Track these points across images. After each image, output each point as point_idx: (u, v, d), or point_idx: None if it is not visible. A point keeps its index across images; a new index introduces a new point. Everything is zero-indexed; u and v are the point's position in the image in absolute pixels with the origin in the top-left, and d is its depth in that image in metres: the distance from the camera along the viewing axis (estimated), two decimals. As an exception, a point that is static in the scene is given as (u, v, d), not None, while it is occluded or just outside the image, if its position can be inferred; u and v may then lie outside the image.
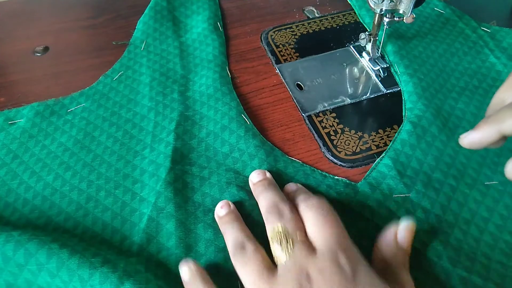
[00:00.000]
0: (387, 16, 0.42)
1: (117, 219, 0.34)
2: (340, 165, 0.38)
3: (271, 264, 0.28)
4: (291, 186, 0.34)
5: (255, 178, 0.34)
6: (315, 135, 0.41)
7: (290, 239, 0.27)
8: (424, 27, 0.50)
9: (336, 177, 0.37)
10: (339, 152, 0.39)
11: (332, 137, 0.40)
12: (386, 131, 0.41)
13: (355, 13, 0.53)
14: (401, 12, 0.40)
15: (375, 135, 0.40)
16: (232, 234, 0.30)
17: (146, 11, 0.52)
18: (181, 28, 0.51)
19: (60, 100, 0.43)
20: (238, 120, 0.40)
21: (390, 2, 0.40)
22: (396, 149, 0.37)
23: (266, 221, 0.30)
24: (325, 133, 0.41)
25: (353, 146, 0.39)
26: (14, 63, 0.49)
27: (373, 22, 0.44)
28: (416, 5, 0.40)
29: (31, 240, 0.30)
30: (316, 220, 0.29)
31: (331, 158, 0.39)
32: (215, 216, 0.33)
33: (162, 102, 0.42)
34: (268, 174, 0.35)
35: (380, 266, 0.29)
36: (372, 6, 0.41)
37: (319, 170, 0.37)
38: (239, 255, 0.28)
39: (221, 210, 0.32)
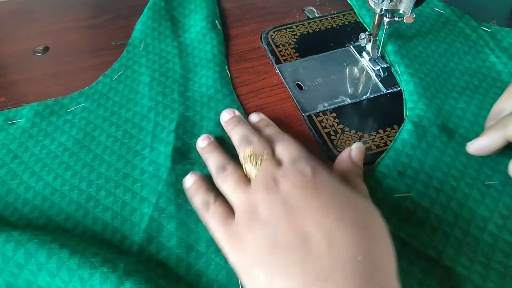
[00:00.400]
0: (387, 16, 0.42)
1: (117, 218, 0.34)
2: (340, 165, 0.38)
3: (247, 179, 0.31)
4: (253, 117, 0.39)
5: (225, 116, 0.39)
6: (315, 135, 0.41)
7: (259, 158, 0.31)
8: (424, 27, 0.50)
9: None
10: (339, 152, 0.39)
11: (332, 137, 0.40)
12: (386, 131, 0.41)
13: (355, 13, 0.53)
14: (401, 12, 0.40)
15: (375, 135, 0.40)
16: (213, 159, 0.34)
17: (144, 11, 0.52)
18: (179, 27, 0.51)
19: (59, 100, 0.43)
20: None
21: (390, 2, 0.40)
22: (397, 149, 0.37)
23: (238, 150, 0.34)
24: (325, 133, 0.41)
25: (353, 146, 0.39)
26: (14, 63, 0.49)
27: (373, 22, 0.44)
28: (416, 5, 0.40)
29: (31, 240, 0.30)
30: (281, 143, 0.33)
31: (331, 158, 0.39)
32: (197, 147, 0.37)
33: (162, 102, 0.42)
34: (237, 112, 0.39)
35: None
36: (372, 6, 0.41)
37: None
38: (220, 175, 0.32)
39: (202, 142, 0.37)
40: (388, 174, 0.36)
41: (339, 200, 0.27)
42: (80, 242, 0.32)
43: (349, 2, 0.54)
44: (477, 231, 0.33)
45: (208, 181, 0.33)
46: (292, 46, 0.50)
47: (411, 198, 0.35)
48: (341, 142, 0.40)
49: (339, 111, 0.43)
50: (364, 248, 0.25)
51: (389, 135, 0.40)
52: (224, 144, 0.38)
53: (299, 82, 0.46)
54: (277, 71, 0.47)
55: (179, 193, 0.34)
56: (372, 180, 0.36)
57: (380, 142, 0.40)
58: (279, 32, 0.52)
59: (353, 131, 0.41)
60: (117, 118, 0.42)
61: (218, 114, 0.41)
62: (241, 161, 0.33)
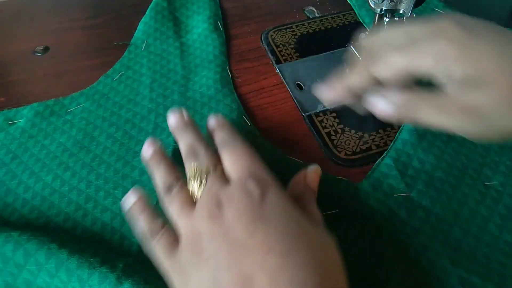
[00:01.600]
0: (387, 16, 0.42)
1: (116, 219, 0.34)
2: (340, 164, 0.38)
3: (193, 201, 0.29)
4: (210, 122, 0.34)
5: (172, 120, 0.34)
6: (315, 135, 0.41)
7: (205, 176, 0.29)
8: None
9: (338, 177, 0.37)
10: (339, 152, 0.39)
11: (332, 137, 0.40)
12: (386, 131, 0.41)
13: (355, 13, 0.53)
14: (401, 12, 0.40)
15: (375, 135, 0.40)
16: (159, 175, 0.31)
17: (147, 12, 0.52)
18: (181, 28, 0.51)
19: (60, 100, 0.43)
20: (239, 122, 0.40)
21: (390, 2, 0.40)
22: (397, 149, 0.37)
23: (185, 163, 0.31)
24: (325, 133, 0.41)
25: (353, 146, 0.39)
26: (14, 63, 0.49)
27: (373, 22, 0.44)
28: (416, 5, 0.40)
29: (30, 240, 0.30)
30: (229, 156, 0.29)
31: (331, 158, 0.39)
32: (141, 158, 0.33)
33: (163, 103, 0.42)
34: (185, 114, 0.34)
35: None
36: (372, 6, 0.41)
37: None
38: (166, 196, 0.29)
39: (147, 150, 0.32)
40: (389, 173, 0.36)
41: (286, 231, 0.25)
42: (79, 243, 0.32)
43: (349, 2, 0.54)
44: (477, 231, 0.33)
45: (151, 204, 0.30)
46: (292, 46, 0.50)
47: (411, 197, 0.35)
48: (341, 142, 0.40)
49: (339, 111, 0.42)
50: (304, 280, 0.23)
51: (389, 135, 0.40)
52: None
53: (299, 82, 0.46)
54: (277, 71, 0.47)
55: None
56: (373, 180, 0.36)
57: (380, 142, 0.40)
58: (279, 32, 0.52)
59: (353, 131, 0.41)
60: (117, 118, 0.42)
61: (219, 112, 0.41)
62: (187, 178, 0.30)
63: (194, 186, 0.29)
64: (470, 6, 0.54)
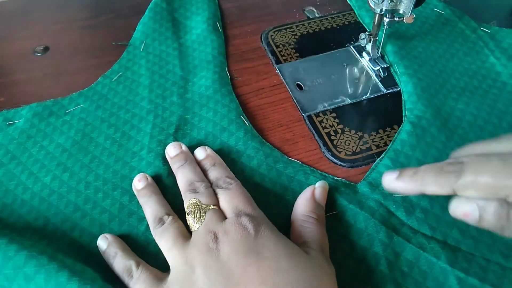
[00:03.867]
0: (387, 16, 0.42)
1: (114, 220, 0.34)
2: (340, 165, 0.38)
3: (187, 233, 0.30)
4: (199, 153, 0.36)
5: (171, 152, 0.36)
6: (315, 135, 0.41)
7: (203, 210, 0.30)
8: (424, 27, 0.50)
9: (336, 178, 0.37)
10: (339, 152, 0.39)
11: (332, 137, 0.40)
12: (386, 131, 0.41)
13: (355, 13, 0.53)
14: (401, 12, 0.40)
15: (375, 135, 0.40)
16: (150, 208, 0.32)
17: (146, 12, 0.52)
18: (180, 29, 0.51)
19: (59, 101, 0.43)
20: (237, 122, 0.40)
21: (390, 2, 0.40)
22: (396, 149, 0.37)
23: (184, 197, 0.33)
24: (325, 133, 0.41)
25: (353, 146, 0.39)
26: (14, 63, 0.49)
27: (373, 22, 0.44)
28: (416, 5, 0.40)
29: (18, 253, 0.30)
30: (226, 195, 0.31)
31: (331, 158, 0.39)
32: (133, 188, 0.35)
33: (162, 105, 0.42)
34: (184, 147, 0.37)
35: (297, 223, 0.31)
36: (372, 6, 0.41)
37: (319, 171, 0.37)
38: (157, 229, 0.30)
39: (139, 184, 0.34)
40: None
41: (278, 266, 0.26)
42: (69, 257, 0.31)
43: (349, 2, 0.54)
44: (476, 232, 0.33)
45: (124, 243, 0.31)
46: (292, 46, 0.50)
47: (409, 198, 0.35)
48: (341, 142, 0.40)
49: (339, 111, 0.43)
50: None
51: (389, 135, 0.40)
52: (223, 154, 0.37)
53: (299, 82, 0.46)
54: (277, 71, 0.47)
55: (177, 196, 0.34)
56: (371, 181, 0.36)
57: (380, 142, 0.40)
58: (279, 32, 0.52)
59: (353, 131, 0.41)
60: (115, 119, 0.41)
61: (216, 114, 0.41)
62: (185, 210, 0.31)
63: (191, 219, 0.30)
64: (470, 6, 0.54)
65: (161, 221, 0.31)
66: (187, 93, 0.44)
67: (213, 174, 0.34)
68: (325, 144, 0.40)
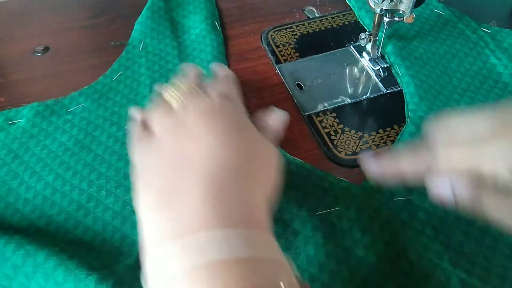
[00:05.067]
0: (387, 16, 0.42)
1: (117, 218, 0.34)
2: (340, 164, 0.38)
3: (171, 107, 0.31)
4: (216, 69, 0.38)
5: (186, 68, 0.37)
6: (315, 135, 0.41)
7: (183, 88, 0.31)
8: (424, 28, 0.50)
9: (338, 178, 0.37)
10: (339, 152, 0.39)
11: (332, 137, 0.40)
12: (386, 131, 0.41)
13: (355, 13, 0.53)
14: (401, 12, 0.40)
15: (375, 135, 0.40)
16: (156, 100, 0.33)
17: (143, 12, 0.52)
18: (178, 28, 0.51)
19: (60, 100, 0.43)
20: None
21: (390, 2, 0.40)
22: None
23: None
24: (325, 133, 0.41)
25: (353, 146, 0.39)
26: (14, 63, 0.49)
27: (373, 22, 0.44)
28: (416, 5, 0.40)
29: (32, 242, 0.30)
30: (214, 82, 0.34)
31: (331, 158, 0.39)
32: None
33: None
34: (199, 69, 0.37)
35: None
36: (372, 6, 0.41)
37: (320, 170, 0.37)
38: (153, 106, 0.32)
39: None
40: None
41: (232, 130, 0.28)
42: (57, 245, 0.31)
43: (349, 3, 0.54)
44: (479, 233, 0.33)
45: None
46: (292, 46, 0.50)
47: (411, 201, 0.34)
48: (341, 142, 0.40)
49: (339, 111, 0.43)
50: (237, 170, 0.26)
51: (389, 135, 0.40)
52: None
53: (299, 82, 0.46)
54: (277, 71, 0.47)
55: None
56: (373, 183, 0.36)
57: (380, 142, 0.40)
58: (279, 32, 0.52)
59: (353, 131, 0.41)
60: (117, 118, 0.41)
61: None
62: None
63: (173, 96, 0.31)
64: (470, 6, 0.54)
65: (156, 101, 0.33)
66: None
67: (219, 79, 0.37)
68: (325, 144, 0.40)
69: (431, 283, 0.30)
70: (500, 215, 0.26)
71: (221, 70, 0.38)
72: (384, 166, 0.31)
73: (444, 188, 0.27)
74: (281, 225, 0.33)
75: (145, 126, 0.31)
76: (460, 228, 0.33)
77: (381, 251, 0.32)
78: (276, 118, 0.34)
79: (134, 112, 0.33)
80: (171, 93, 0.31)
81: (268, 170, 0.29)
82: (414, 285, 0.30)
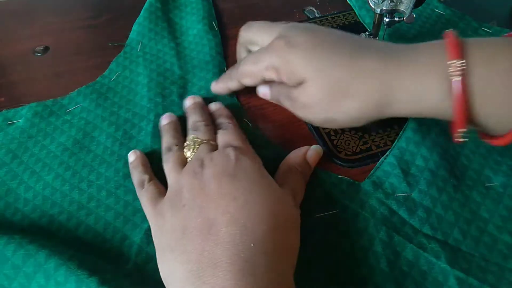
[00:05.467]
0: (387, 16, 0.42)
1: (119, 218, 0.34)
2: (340, 165, 0.38)
3: (185, 162, 0.34)
4: (212, 106, 0.41)
5: (188, 102, 0.41)
6: (315, 135, 0.41)
7: (198, 144, 0.34)
8: (425, 28, 0.50)
9: (340, 176, 0.37)
10: (339, 152, 0.39)
11: (332, 137, 0.40)
12: (386, 131, 0.41)
13: (355, 13, 0.53)
14: (401, 12, 0.40)
15: (375, 135, 0.40)
16: (166, 139, 0.37)
17: (141, 13, 0.52)
18: (176, 29, 0.51)
19: (58, 101, 0.43)
20: (239, 123, 0.40)
21: (390, 2, 0.40)
22: (401, 147, 0.37)
23: (187, 135, 0.37)
24: (325, 133, 0.41)
25: (353, 146, 0.39)
26: (14, 63, 0.49)
27: (373, 22, 0.44)
28: (416, 5, 0.40)
29: (32, 242, 0.30)
30: (222, 133, 0.36)
31: (331, 158, 0.39)
32: (159, 124, 0.39)
33: (162, 104, 0.42)
34: (197, 99, 0.41)
35: (282, 169, 0.35)
36: (372, 6, 0.41)
37: (322, 169, 0.37)
38: (165, 155, 0.35)
39: (166, 119, 0.39)
40: (392, 172, 0.36)
41: (251, 187, 0.29)
42: (58, 245, 0.32)
43: (349, 2, 0.54)
44: (477, 232, 0.33)
45: (147, 161, 0.37)
46: (292, 46, 0.50)
47: (412, 197, 0.35)
48: (341, 142, 0.40)
49: (339, 111, 0.42)
50: (258, 236, 0.27)
51: (389, 135, 0.40)
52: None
53: (299, 82, 0.46)
54: (277, 71, 0.47)
55: None
56: (374, 179, 0.36)
57: (380, 142, 0.40)
58: (279, 32, 0.52)
59: (353, 131, 0.41)
60: (116, 118, 0.41)
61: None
62: (184, 144, 0.35)
63: (188, 151, 0.34)
64: (470, 6, 0.54)
65: (169, 150, 0.35)
66: (187, 93, 0.44)
67: (219, 120, 0.39)
68: (325, 144, 0.40)
69: (428, 283, 0.30)
70: (291, 109, 0.37)
71: (221, 111, 0.40)
72: (219, 86, 0.42)
73: (264, 89, 0.41)
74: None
75: (156, 184, 0.34)
76: (458, 226, 0.33)
77: (378, 250, 0.32)
78: (313, 155, 0.37)
79: (139, 162, 0.36)
80: (191, 150, 0.34)
81: (292, 238, 0.29)
82: (412, 285, 0.30)
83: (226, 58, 0.48)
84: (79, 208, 0.35)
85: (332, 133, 0.40)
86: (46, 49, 0.50)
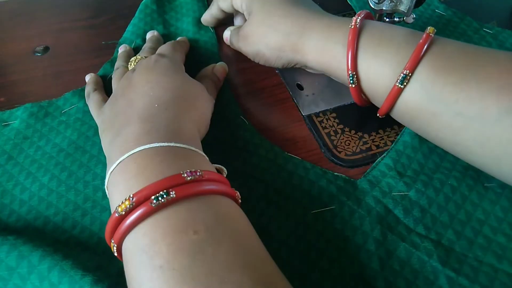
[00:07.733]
0: (387, 16, 0.41)
1: None
2: (340, 165, 0.38)
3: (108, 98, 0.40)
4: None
5: (149, 35, 0.49)
6: (315, 135, 0.40)
7: (139, 60, 0.41)
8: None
9: (336, 173, 0.37)
10: (339, 152, 0.39)
11: (332, 137, 0.40)
12: (386, 131, 0.40)
13: (355, 13, 0.53)
14: (401, 12, 0.40)
15: (375, 135, 0.40)
16: (85, 90, 0.43)
17: (136, 14, 0.52)
18: (171, 31, 0.51)
19: (53, 102, 0.43)
20: (236, 122, 0.40)
21: (390, 3, 0.40)
22: (398, 150, 0.37)
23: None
24: (325, 133, 0.40)
25: (353, 146, 0.39)
26: (14, 63, 0.49)
27: (374, 22, 0.44)
28: (416, 5, 0.40)
29: (26, 243, 0.30)
30: (162, 46, 0.43)
31: (331, 158, 0.39)
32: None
33: None
34: (156, 33, 0.49)
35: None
36: (372, 6, 0.41)
37: (319, 167, 0.37)
38: (87, 100, 0.42)
39: (86, 78, 0.45)
40: (388, 173, 0.36)
41: (164, 73, 0.36)
42: (51, 245, 0.31)
43: (349, 2, 0.54)
44: (472, 233, 0.33)
45: (100, 81, 0.44)
46: (292, 46, 0.50)
47: (409, 196, 0.34)
48: (341, 142, 0.40)
49: (339, 111, 0.42)
50: (163, 100, 0.33)
51: (389, 135, 0.40)
52: None
53: (299, 82, 0.46)
54: (277, 71, 0.47)
55: None
56: (371, 178, 0.36)
57: (380, 142, 0.40)
58: (280, 33, 0.51)
59: (353, 131, 0.40)
60: None
61: (216, 115, 0.41)
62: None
63: (130, 66, 0.41)
64: (471, 6, 0.54)
65: (117, 68, 0.42)
66: None
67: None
68: (325, 144, 0.40)
69: (419, 281, 0.30)
70: (237, 46, 0.44)
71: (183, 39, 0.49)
72: (206, 16, 0.51)
73: (226, 33, 0.48)
74: (280, 223, 0.33)
75: (100, 93, 0.41)
76: (452, 227, 0.33)
77: (371, 248, 0.32)
78: (220, 70, 0.44)
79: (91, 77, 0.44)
80: (130, 63, 0.41)
81: (196, 105, 0.36)
82: (403, 283, 0.30)
83: (228, 58, 0.48)
84: (75, 209, 0.35)
85: (332, 133, 0.40)
86: (46, 49, 0.50)
